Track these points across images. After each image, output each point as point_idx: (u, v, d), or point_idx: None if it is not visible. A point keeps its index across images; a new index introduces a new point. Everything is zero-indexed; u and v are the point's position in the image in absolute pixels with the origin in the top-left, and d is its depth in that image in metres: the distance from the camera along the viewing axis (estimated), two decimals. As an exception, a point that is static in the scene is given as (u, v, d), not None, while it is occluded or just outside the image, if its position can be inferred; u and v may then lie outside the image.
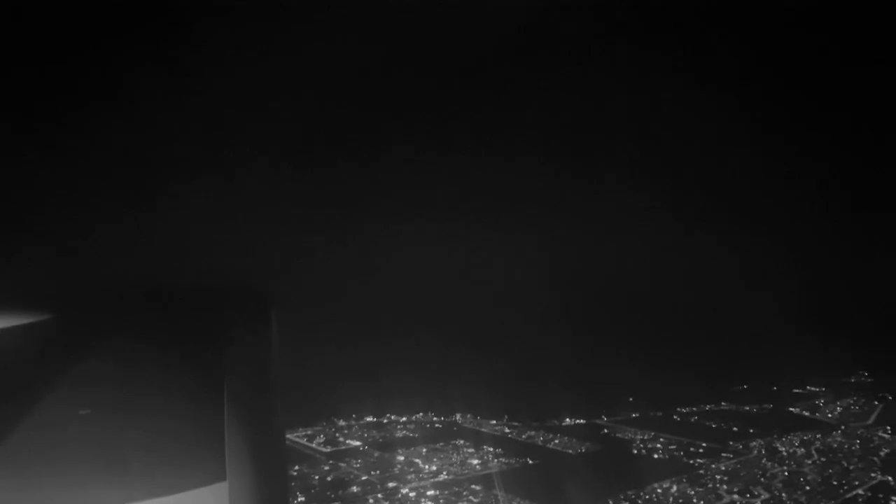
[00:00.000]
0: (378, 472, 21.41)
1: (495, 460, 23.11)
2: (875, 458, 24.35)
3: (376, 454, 22.91)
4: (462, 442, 24.29)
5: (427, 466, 22.06)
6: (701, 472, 23.46)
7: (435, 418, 26.11)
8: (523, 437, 25.65)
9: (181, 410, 3.12)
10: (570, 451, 24.64)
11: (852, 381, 31.46)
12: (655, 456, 24.77)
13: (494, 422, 26.59)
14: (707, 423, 27.94)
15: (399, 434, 24.59)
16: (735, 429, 27.29)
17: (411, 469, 21.84)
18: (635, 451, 25.07)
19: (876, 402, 29.08)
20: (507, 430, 26.05)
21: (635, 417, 28.34)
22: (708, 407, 29.55)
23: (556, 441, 25.40)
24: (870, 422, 27.51)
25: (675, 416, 28.54)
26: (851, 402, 29.40)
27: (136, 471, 2.94)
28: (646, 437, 26.22)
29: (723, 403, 29.95)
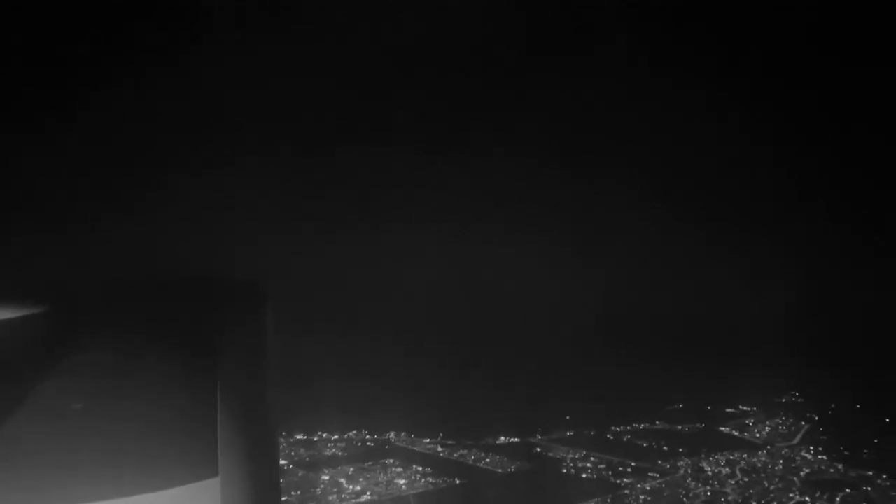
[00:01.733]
0: (299, 492, 21.33)
1: (423, 480, 23.21)
2: (795, 479, 25.10)
3: (300, 473, 22.82)
4: (392, 461, 24.34)
5: (351, 487, 22.07)
6: (626, 491, 23.88)
7: (368, 436, 26.09)
8: (455, 455, 25.80)
9: (174, 405, 3.10)
10: (500, 471, 24.88)
11: (783, 401, 32.28)
12: (584, 475, 25.17)
13: (428, 440, 26.67)
14: (639, 442, 28.41)
15: (328, 452, 24.51)
16: (665, 448, 27.80)
17: (334, 489, 21.81)
18: (564, 471, 25.42)
19: (803, 423, 29.94)
20: (439, 449, 26.16)
21: (570, 436, 28.66)
22: (642, 426, 30.02)
23: (487, 460, 25.60)
24: (795, 442, 28.32)
25: (608, 435, 28.92)
26: (780, 421, 30.19)
27: (128, 466, 2.92)
28: (577, 457, 26.58)
29: (657, 422, 30.45)
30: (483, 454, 25.98)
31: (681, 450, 27.60)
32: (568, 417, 30.67)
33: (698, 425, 30.46)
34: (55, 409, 3.00)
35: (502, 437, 27.89)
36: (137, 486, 2.87)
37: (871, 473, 25.10)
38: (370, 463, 23.99)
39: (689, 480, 24.82)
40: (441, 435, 27.14)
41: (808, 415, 30.78)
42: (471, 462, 25.32)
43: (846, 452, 26.82)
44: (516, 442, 27.80)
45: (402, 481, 22.91)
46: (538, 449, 27.39)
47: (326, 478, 22.54)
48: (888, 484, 24.19)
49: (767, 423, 30.36)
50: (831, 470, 25.65)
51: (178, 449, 3.01)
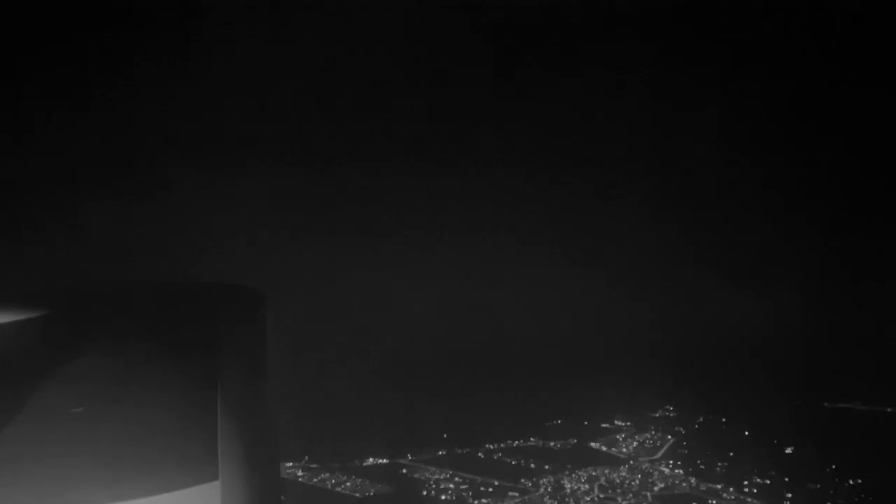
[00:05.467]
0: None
1: (271, 508, 23.09)
2: (647, 493, 26.17)
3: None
4: (243, 488, 24.13)
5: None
6: (481, 512, 24.44)
7: (227, 462, 25.80)
8: (314, 480, 25.81)
9: (174, 409, 3.12)
10: (357, 495, 25.03)
11: (657, 415, 33.46)
12: (443, 497, 25.57)
13: (291, 464, 26.58)
14: (508, 460, 29.03)
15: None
16: (532, 465, 28.48)
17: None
18: (425, 493, 25.75)
19: (669, 437, 31.15)
20: (300, 474, 26.11)
21: (441, 455, 29.03)
22: (516, 443, 30.65)
23: (348, 484, 25.72)
24: (657, 456, 29.52)
25: (480, 454, 29.42)
26: (648, 436, 31.31)
27: (128, 469, 2.83)
28: (442, 477, 26.94)
29: (531, 439, 31.16)
30: (344, 478, 26.06)
31: (547, 467, 28.42)
32: (445, 435, 31.16)
33: (571, 441, 31.35)
34: (55, 413, 2.98)
35: (370, 459, 28.06)
36: (137, 489, 2.89)
37: (719, 487, 26.42)
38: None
39: (546, 499, 25.54)
40: (306, 458, 27.10)
41: (675, 429, 32.10)
42: (329, 487, 25.36)
43: (702, 466, 28.12)
44: (384, 463, 28.01)
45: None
46: (405, 470, 27.66)
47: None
48: (733, 497, 25.49)
49: (637, 437, 31.50)
50: (684, 484, 26.93)
51: (178, 452, 3.05)
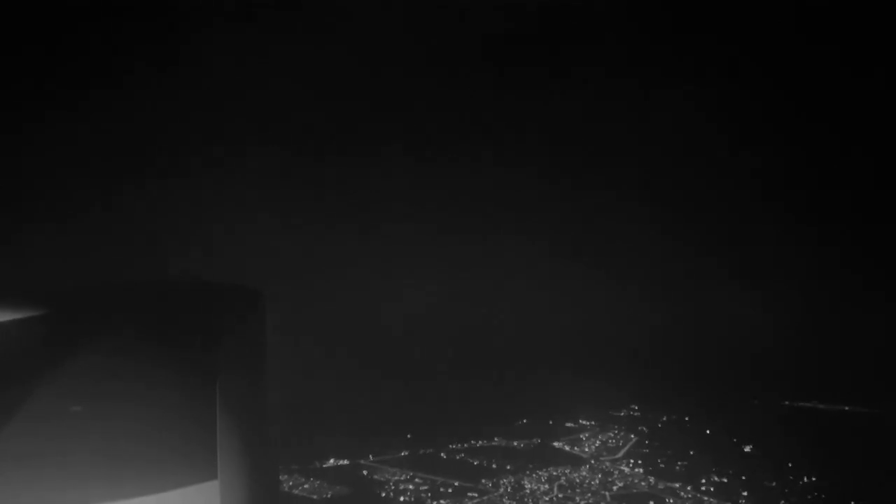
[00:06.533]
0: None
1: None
2: (606, 493, 26.37)
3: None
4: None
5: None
6: (439, 513, 24.50)
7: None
8: (272, 482, 25.69)
9: (173, 407, 3.04)
10: (315, 497, 24.97)
11: (621, 414, 33.71)
12: (402, 499, 25.57)
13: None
14: (470, 461, 29.11)
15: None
16: (494, 465, 28.58)
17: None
18: (383, 494, 25.74)
19: (632, 436, 31.39)
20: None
21: (404, 456, 29.04)
22: (479, 443, 30.74)
23: (306, 486, 25.63)
24: (618, 456, 29.75)
25: (442, 454, 29.46)
26: (611, 435, 31.52)
27: (128, 467, 2.77)
28: (402, 478, 26.93)
29: (495, 439, 31.28)
30: (302, 479, 25.96)
31: (508, 467, 28.53)
32: (409, 436, 31.14)
33: (534, 441, 31.48)
34: (55, 411, 2.95)
35: (331, 460, 27.98)
36: (137, 488, 2.87)
37: (678, 485, 26.67)
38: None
39: (505, 499, 25.63)
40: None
41: (639, 428, 32.36)
42: (286, 489, 25.25)
43: (662, 465, 28.36)
44: (345, 465, 27.95)
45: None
46: (365, 472, 27.62)
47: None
48: (690, 496, 25.73)
49: (600, 436, 31.72)
50: (643, 483, 27.15)
51: (177, 451, 3.01)
